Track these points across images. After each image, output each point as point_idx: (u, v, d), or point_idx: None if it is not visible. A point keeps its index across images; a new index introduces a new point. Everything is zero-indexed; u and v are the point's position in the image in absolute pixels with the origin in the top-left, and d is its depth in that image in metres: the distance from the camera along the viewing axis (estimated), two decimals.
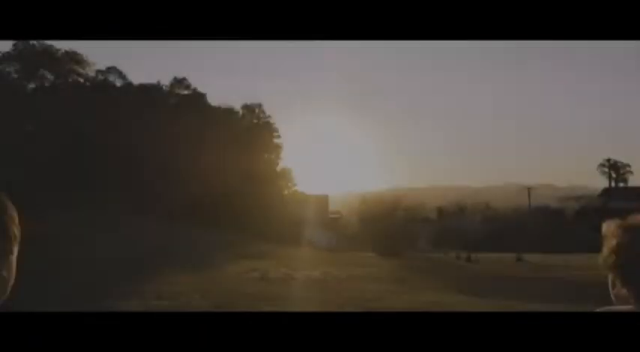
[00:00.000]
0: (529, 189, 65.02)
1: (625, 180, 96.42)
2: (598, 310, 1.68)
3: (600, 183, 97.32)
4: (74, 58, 56.82)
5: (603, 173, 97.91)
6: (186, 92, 63.09)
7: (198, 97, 62.98)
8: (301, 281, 16.62)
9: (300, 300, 12.84)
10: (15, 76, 53.64)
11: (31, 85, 54.98)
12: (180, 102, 62.24)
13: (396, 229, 38.42)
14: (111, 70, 59.60)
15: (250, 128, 66.03)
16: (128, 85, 59.73)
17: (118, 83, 59.82)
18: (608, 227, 1.85)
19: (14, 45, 52.65)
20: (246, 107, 67.71)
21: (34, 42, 53.60)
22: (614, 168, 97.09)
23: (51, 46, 54.99)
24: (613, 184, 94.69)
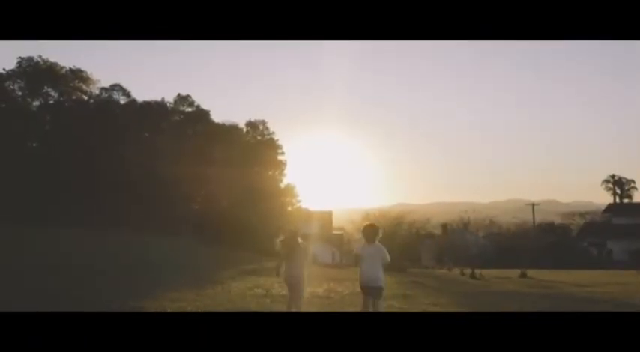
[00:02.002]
0: (533, 205, 64.84)
1: (630, 197, 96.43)
2: None
3: (605, 199, 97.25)
4: (78, 75, 57.27)
5: (608, 189, 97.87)
6: (190, 109, 63.35)
7: (202, 114, 63.22)
8: (305, 297, 16.51)
9: None
10: (19, 93, 53.92)
11: (36, 102, 55.26)
12: (184, 119, 62.49)
13: (399, 245, 38.30)
14: (115, 87, 60.00)
15: (254, 144, 66.18)
16: (132, 102, 59.99)
17: (122, 100, 60.14)
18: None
19: (19, 62, 53.02)
20: (250, 124, 67.97)
21: (39, 59, 54.00)
22: (619, 185, 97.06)
23: (55, 63, 55.45)
24: (617, 200, 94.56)
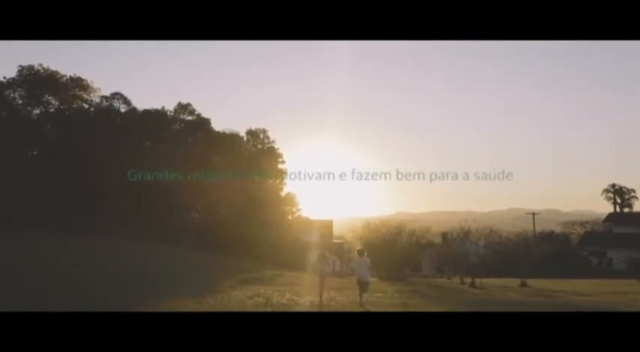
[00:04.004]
0: (534, 214, 64.79)
1: (630, 206, 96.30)
2: None
3: (605, 208, 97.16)
4: (79, 83, 57.34)
5: (608, 198, 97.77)
6: (190, 117, 63.35)
7: (203, 122, 63.22)
8: (305, 306, 16.56)
9: None
10: (20, 101, 53.97)
11: (36, 111, 55.30)
12: (185, 128, 62.50)
13: (399, 254, 38.23)
14: (115, 95, 60.02)
15: (255, 153, 66.21)
16: (132, 111, 60.02)
17: (123, 109, 60.17)
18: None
19: (19, 71, 53.10)
20: (250, 132, 68.00)
21: (39, 67, 54.11)
22: (619, 194, 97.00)
23: (56, 71, 55.56)
24: (618, 209, 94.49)
